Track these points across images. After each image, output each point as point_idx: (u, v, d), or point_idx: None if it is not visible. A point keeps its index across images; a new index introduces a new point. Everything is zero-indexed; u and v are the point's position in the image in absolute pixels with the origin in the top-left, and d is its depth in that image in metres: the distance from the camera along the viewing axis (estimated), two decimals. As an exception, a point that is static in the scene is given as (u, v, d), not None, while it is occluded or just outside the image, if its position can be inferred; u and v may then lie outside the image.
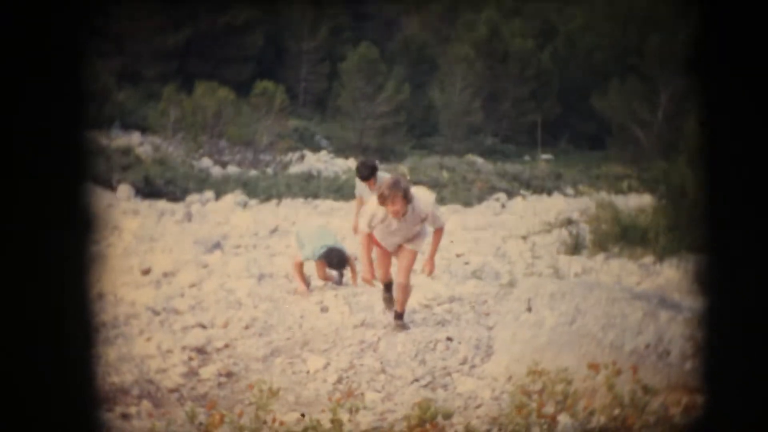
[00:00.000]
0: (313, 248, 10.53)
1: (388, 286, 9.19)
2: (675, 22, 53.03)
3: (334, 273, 11.12)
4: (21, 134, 1.95)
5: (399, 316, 8.75)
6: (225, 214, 20.38)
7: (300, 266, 10.61)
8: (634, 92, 44.49)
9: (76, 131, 2.03)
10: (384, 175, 10.78)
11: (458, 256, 14.11)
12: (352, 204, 24.03)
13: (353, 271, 10.78)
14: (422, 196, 8.79)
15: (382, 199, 8.18)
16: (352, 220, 11.65)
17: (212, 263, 12.56)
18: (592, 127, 48.11)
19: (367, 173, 10.73)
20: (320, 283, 10.91)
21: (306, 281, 10.67)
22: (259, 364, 7.92)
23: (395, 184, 8.18)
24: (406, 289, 8.76)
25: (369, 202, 8.68)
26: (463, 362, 7.68)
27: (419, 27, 51.95)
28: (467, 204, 26.55)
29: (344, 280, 11.13)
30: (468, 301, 9.80)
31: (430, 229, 8.93)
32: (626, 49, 49.64)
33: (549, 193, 31.00)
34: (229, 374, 7.64)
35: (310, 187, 27.51)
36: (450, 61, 46.10)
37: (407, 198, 8.25)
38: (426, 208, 8.57)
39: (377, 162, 11.32)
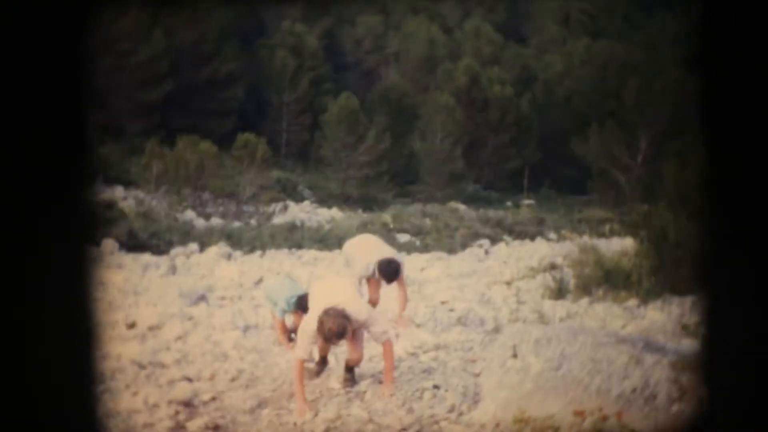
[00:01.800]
0: (286, 300, 10.52)
1: (323, 359, 9.11)
2: (652, 67, 53.61)
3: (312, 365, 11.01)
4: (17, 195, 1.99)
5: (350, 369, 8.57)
6: (209, 266, 20.36)
7: (281, 324, 10.59)
8: (614, 137, 44.78)
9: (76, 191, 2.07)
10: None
11: (443, 303, 14.12)
12: (336, 253, 24.07)
13: None
14: (362, 308, 8.13)
15: (332, 339, 7.75)
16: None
17: (197, 316, 12.54)
18: (573, 173, 48.35)
19: (393, 276, 10.69)
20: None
21: (289, 336, 10.67)
22: (246, 417, 7.90)
23: (342, 324, 7.67)
24: (360, 358, 8.52)
25: (306, 318, 8.10)
26: (451, 410, 7.68)
27: (399, 77, 52.27)
28: (451, 251, 26.59)
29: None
30: (454, 348, 9.81)
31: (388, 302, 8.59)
32: (605, 95, 50.07)
33: (532, 239, 31.07)
34: (216, 427, 7.62)
35: (294, 238, 27.52)
36: (430, 109, 46.36)
37: (348, 335, 7.84)
38: (367, 321, 7.99)
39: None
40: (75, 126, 2.06)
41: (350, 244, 11.52)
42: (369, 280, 11.10)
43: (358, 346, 8.35)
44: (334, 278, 9.99)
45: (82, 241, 2.05)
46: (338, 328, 7.64)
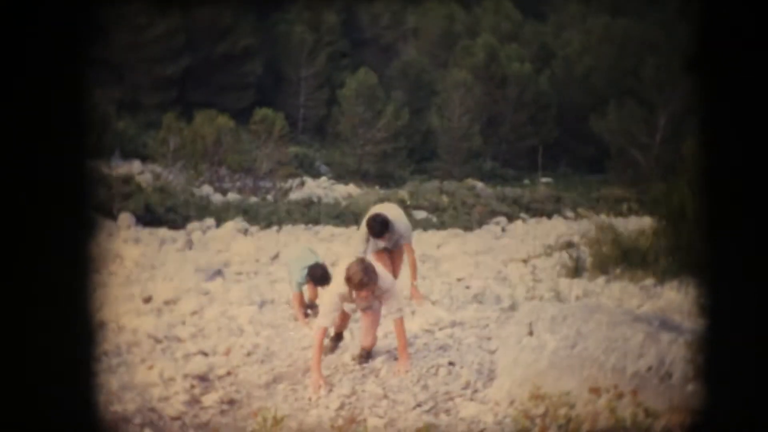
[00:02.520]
0: (298, 275, 10.52)
1: (339, 336, 9.10)
2: (670, 44, 53.28)
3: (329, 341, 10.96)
4: (24, 163, 1.98)
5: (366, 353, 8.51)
6: (226, 241, 20.39)
7: (297, 298, 10.59)
8: (632, 115, 44.59)
9: (79, 161, 2.05)
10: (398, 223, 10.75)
11: (459, 280, 14.11)
12: (353, 230, 24.08)
13: None
14: (388, 277, 8.13)
15: (359, 285, 7.74)
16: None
17: (213, 291, 12.57)
18: (590, 151, 48.20)
19: (380, 229, 10.61)
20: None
21: (305, 310, 10.67)
22: (261, 392, 7.92)
23: (372, 273, 7.69)
24: (374, 342, 8.50)
25: (331, 286, 8.13)
26: (466, 387, 7.67)
27: (417, 52, 52.10)
28: (467, 228, 26.57)
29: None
30: (469, 325, 9.80)
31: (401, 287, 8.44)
32: (624, 72, 49.80)
33: (549, 217, 31.03)
34: (231, 402, 7.64)
35: (311, 214, 27.54)
36: (448, 86, 46.23)
37: (377, 287, 7.85)
38: (390, 291, 7.99)
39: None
40: (77, 94, 2.05)
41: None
42: (381, 254, 11.07)
43: (372, 328, 8.34)
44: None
45: (91, 212, 2.05)
46: (366, 275, 7.67)
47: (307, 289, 10.82)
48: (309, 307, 10.79)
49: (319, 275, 10.46)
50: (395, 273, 11.02)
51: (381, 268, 8.06)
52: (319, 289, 10.69)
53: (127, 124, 38.01)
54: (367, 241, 10.90)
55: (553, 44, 53.97)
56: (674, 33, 60.10)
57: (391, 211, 11.17)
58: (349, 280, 7.72)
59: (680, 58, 45.98)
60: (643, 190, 34.93)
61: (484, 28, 52.06)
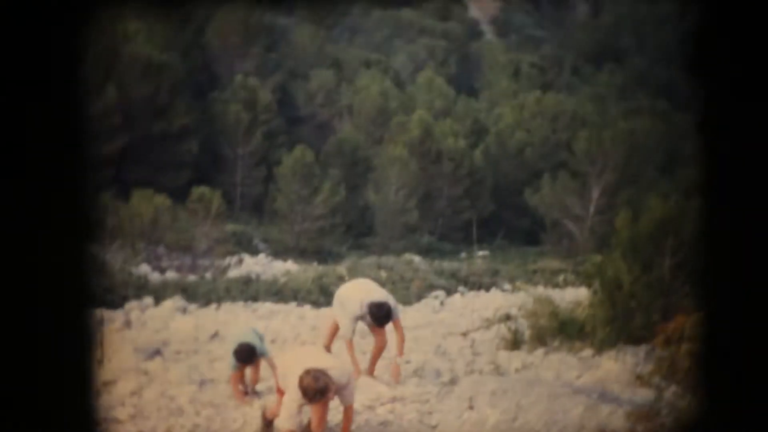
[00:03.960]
0: (230, 357, 10.52)
1: (272, 422, 9.04)
2: (601, 118, 54.33)
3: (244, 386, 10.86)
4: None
5: None
6: (164, 320, 20.25)
7: (234, 378, 10.56)
8: (566, 188, 45.26)
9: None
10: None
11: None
12: (292, 306, 24.01)
13: (272, 368, 10.50)
14: (344, 371, 8.17)
15: (314, 398, 7.74)
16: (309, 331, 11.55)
17: (153, 370, 12.47)
18: (526, 223, 48.74)
19: (385, 320, 10.74)
20: (262, 386, 10.88)
21: (244, 390, 10.62)
22: (203, 472, 7.87)
23: (325, 382, 7.65)
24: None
25: (287, 397, 8.11)
26: (409, 462, 7.69)
27: (352, 129, 52.53)
28: (406, 303, 26.64)
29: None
30: (410, 400, 9.83)
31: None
32: (556, 146, 50.70)
33: (487, 290, 31.20)
34: (173, 483, 7.58)
35: (249, 291, 27.44)
36: (384, 162, 46.59)
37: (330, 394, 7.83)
38: (348, 384, 8.01)
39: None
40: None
41: (344, 287, 11.63)
42: (371, 327, 11.21)
43: (325, 417, 8.30)
44: (307, 346, 9.98)
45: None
46: (319, 387, 7.62)
47: (249, 371, 10.79)
48: (249, 387, 10.75)
49: (243, 356, 10.41)
50: (399, 349, 11.19)
51: (333, 362, 8.04)
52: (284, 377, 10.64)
53: (62, 204, 37.63)
54: (355, 322, 11.03)
55: (486, 119, 54.78)
56: (604, 107, 61.32)
57: (378, 291, 11.29)
58: (304, 393, 7.67)
59: (611, 131, 46.91)
60: (579, 261, 35.34)
61: (418, 105, 52.70)
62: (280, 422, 8.03)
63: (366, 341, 12.68)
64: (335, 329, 11.62)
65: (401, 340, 11.17)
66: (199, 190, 37.44)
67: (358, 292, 11.08)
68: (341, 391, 7.92)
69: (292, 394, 7.82)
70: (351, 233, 45.07)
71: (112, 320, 20.11)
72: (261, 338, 10.87)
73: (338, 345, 12.07)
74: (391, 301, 11.08)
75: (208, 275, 31.38)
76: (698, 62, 2.29)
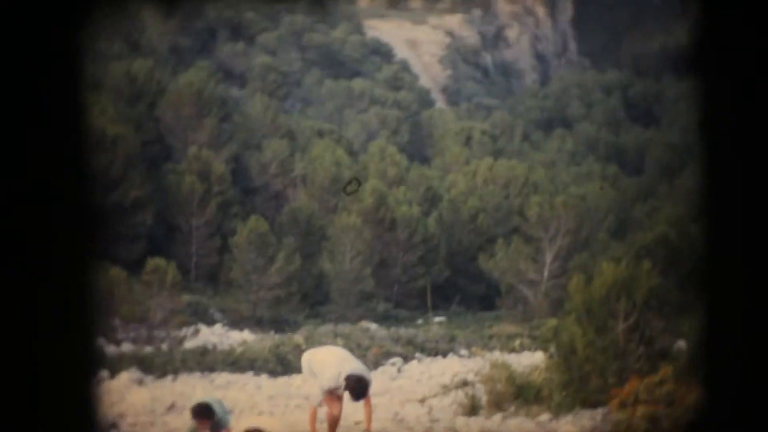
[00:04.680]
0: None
1: None
2: (553, 184, 55.10)
3: None
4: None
5: None
6: (121, 392, 20.13)
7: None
8: (520, 253, 45.67)
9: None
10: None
11: (357, 423, 14.19)
12: (249, 376, 23.97)
13: None
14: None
15: None
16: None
17: (111, 444, 12.43)
18: (481, 288, 49.05)
19: (363, 392, 10.69)
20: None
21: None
22: None
23: None
24: None
25: None
26: None
27: (306, 198, 52.73)
28: (363, 371, 26.65)
29: None
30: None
31: None
32: (509, 212, 51.28)
33: (444, 355, 31.31)
34: None
35: (206, 361, 27.34)
36: (338, 230, 46.78)
37: None
38: None
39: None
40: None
41: (317, 354, 11.52)
42: (331, 394, 11.11)
43: None
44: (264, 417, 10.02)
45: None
46: None
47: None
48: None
49: (197, 412, 10.46)
50: (367, 423, 11.17)
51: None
52: None
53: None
54: (328, 392, 10.95)
55: (439, 187, 55.26)
56: (554, 173, 62.15)
57: (356, 362, 11.27)
58: None
59: (562, 196, 47.55)
60: (535, 325, 35.64)
61: (371, 174, 53.10)
62: None
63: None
64: (315, 414, 11.48)
65: (370, 412, 11.16)
66: (154, 262, 37.35)
67: (335, 362, 10.94)
68: None
69: None
70: (307, 302, 45.04)
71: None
72: (226, 411, 10.86)
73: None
74: (368, 374, 11.06)
75: (165, 346, 31.21)
76: (698, 62, 2.44)
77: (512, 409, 14.39)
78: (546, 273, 44.80)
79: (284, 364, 27.38)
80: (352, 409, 15.29)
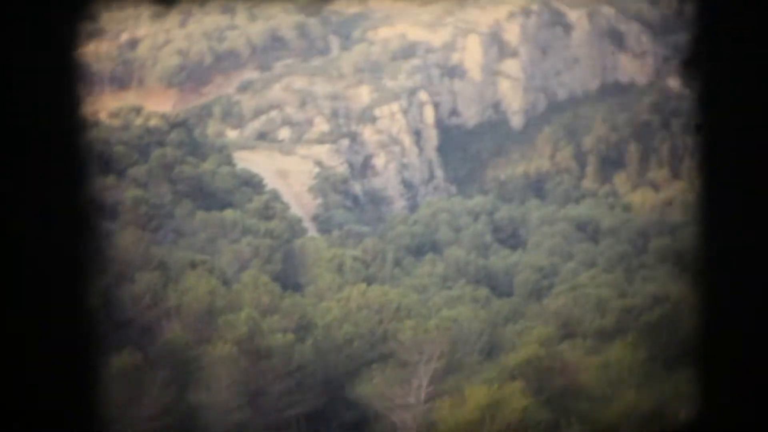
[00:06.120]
0: None
1: None
2: (425, 308, 56.00)
3: None
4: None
5: None
6: None
7: None
8: (395, 377, 46.03)
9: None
10: None
11: None
12: None
13: None
14: None
15: None
16: None
17: None
18: (354, 415, 49.10)
19: None
20: None
21: None
22: None
23: None
24: None
25: None
26: None
27: (180, 329, 52.34)
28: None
29: None
30: None
31: None
32: (383, 337, 51.81)
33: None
34: None
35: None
36: (212, 360, 46.52)
37: None
38: None
39: None
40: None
41: None
42: None
43: None
44: None
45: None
46: None
47: None
48: None
49: None
50: None
51: None
52: None
53: None
54: None
55: (313, 314, 55.58)
56: (427, 296, 63.20)
57: None
58: None
59: (435, 320, 48.37)
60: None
61: (244, 303, 53.15)
62: None
63: None
64: None
65: None
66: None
67: None
68: None
69: None
70: (182, 434, 44.43)
71: None
72: None
73: None
74: None
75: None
76: (697, 63, 2.60)
77: None
78: (423, 396, 45.24)
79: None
80: None
